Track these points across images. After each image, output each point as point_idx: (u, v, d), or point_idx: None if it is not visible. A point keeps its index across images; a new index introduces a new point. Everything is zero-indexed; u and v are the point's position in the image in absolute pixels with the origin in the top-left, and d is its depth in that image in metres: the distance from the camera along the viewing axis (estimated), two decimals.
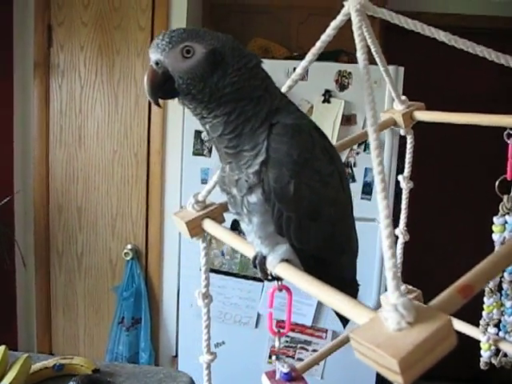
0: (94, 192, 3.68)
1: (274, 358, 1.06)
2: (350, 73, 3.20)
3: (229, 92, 0.89)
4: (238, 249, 1.00)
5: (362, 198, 3.28)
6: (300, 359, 3.39)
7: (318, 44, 0.96)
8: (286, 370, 1.02)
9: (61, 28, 3.56)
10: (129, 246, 3.67)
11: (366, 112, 0.75)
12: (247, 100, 0.90)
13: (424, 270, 4.00)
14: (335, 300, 0.70)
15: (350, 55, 3.37)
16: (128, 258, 3.63)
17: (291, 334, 3.37)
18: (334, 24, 0.94)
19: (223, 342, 3.47)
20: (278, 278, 0.97)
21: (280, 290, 1.00)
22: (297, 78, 1.01)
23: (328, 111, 3.23)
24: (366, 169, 3.28)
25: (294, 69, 3.28)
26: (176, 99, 0.93)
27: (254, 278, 3.33)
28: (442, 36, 0.90)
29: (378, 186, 0.67)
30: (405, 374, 0.52)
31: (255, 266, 0.95)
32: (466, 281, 0.62)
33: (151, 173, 3.63)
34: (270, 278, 0.98)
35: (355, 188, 3.27)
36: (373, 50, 1.06)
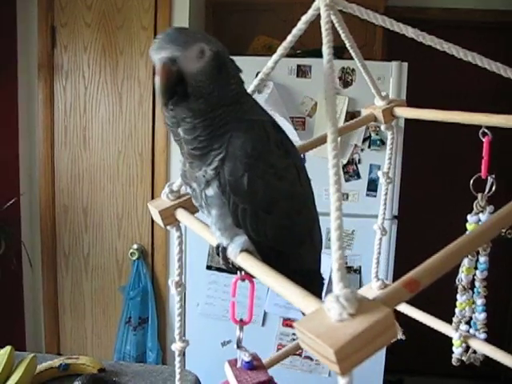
0: (100, 192, 3.70)
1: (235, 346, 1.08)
2: (353, 69, 3.18)
3: (231, 96, 0.90)
4: (207, 239, 1.02)
5: (367, 195, 3.27)
6: (308, 357, 3.39)
7: (289, 38, 0.97)
8: (247, 358, 1.04)
9: (64, 29, 3.58)
10: (135, 246, 3.69)
11: (326, 108, 0.75)
12: (232, 104, 0.91)
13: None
14: (287, 291, 0.71)
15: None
16: (134, 258, 3.64)
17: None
18: (305, 18, 0.94)
19: (230, 341, 3.47)
20: (241, 268, 0.98)
21: (243, 280, 1.02)
22: (268, 71, 1.02)
23: None
24: (370, 165, 3.26)
25: (297, 66, 3.23)
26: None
27: None
28: (410, 33, 0.90)
29: (331, 179, 0.67)
30: (341, 363, 0.53)
31: (218, 254, 0.98)
32: (413, 276, 0.63)
33: (156, 172, 3.65)
34: (231, 266, 1.00)
35: (360, 185, 3.26)
36: (348, 44, 1.06)
